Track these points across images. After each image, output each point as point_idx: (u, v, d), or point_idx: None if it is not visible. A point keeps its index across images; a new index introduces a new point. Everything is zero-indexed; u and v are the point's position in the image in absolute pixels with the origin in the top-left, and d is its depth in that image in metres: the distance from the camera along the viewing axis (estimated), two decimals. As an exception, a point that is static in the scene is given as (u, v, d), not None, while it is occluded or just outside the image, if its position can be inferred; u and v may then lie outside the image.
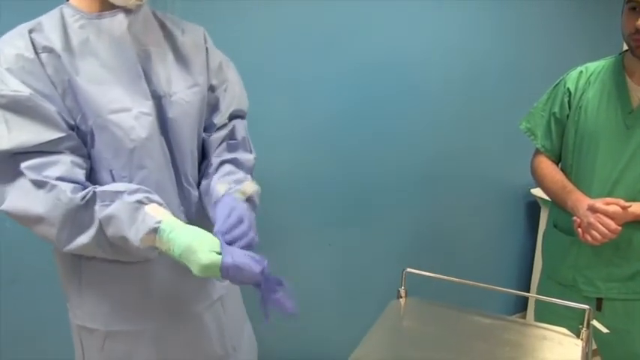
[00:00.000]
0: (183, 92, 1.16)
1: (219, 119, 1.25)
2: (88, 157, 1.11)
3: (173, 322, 1.22)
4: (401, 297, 1.40)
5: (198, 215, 1.23)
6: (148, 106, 1.10)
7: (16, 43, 1.03)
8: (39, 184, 1.00)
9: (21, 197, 1.01)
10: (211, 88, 1.25)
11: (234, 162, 1.25)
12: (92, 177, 1.13)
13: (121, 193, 1.02)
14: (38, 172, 1.01)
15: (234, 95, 1.28)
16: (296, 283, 2.17)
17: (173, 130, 1.16)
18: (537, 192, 2.50)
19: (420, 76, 2.20)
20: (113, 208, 1.01)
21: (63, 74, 1.04)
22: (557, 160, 1.67)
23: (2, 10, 1.43)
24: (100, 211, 1.01)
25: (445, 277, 1.37)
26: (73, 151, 1.06)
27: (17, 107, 1.00)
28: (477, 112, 2.39)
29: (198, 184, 1.26)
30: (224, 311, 1.31)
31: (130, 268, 1.15)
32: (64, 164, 1.03)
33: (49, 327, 1.74)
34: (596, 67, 1.56)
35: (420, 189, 2.34)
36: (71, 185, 1.01)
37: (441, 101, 2.28)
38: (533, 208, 2.69)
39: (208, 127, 1.26)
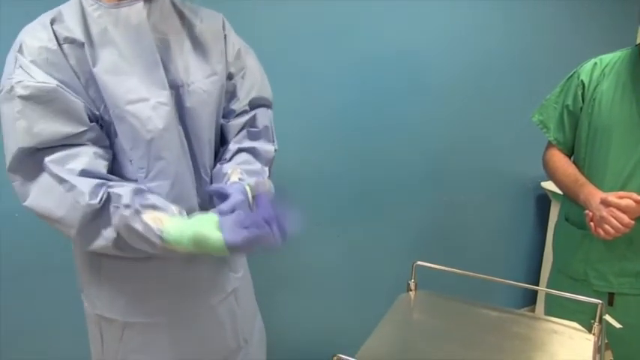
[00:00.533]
0: (201, 81, 1.15)
1: (237, 106, 1.24)
2: (110, 148, 1.11)
3: (188, 314, 1.22)
4: (411, 290, 1.40)
5: (213, 207, 1.23)
6: (165, 95, 1.09)
7: (38, 34, 1.03)
8: (60, 180, 1.00)
9: (43, 195, 1.01)
10: (229, 76, 1.24)
11: (252, 151, 1.23)
12: (115, 167, 1.13)
13: (121, 199, 1.01)
14: (61, 166, 1.00)
15: (253, 82, 1.27)
16: (306, 276, 2.19)
17: (191, 119, 1.15)
18: (548, 185, 2.49)
19: (429, 69, 2.19)
20: (118, 221, 1.01)
21: (85, 65, 1.04)
22: (570, 153, 1.65)
23: (2, 6, 1.44)
24: (113, 217, 1.01)
25: (455, 270, 1.37)
26: (95, 142, 1.06)
27: (41, 99, 1.00)
28: (486, 105, 2.37)
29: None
30: (237, 304, 1.31)
31: (148, 262, 1.15)
32: (87, 156, 1.03)
33: (53, 321, 1.76)
34: (611, 58, 1.53)
35: (430, 182, 2.33)
36: (91, 185, 1.00)
37: (451, 94, 2.27)
38: (543, 201, 2.68)
39: (227, 114, 1.25)
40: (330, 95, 2.00)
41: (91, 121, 1.06)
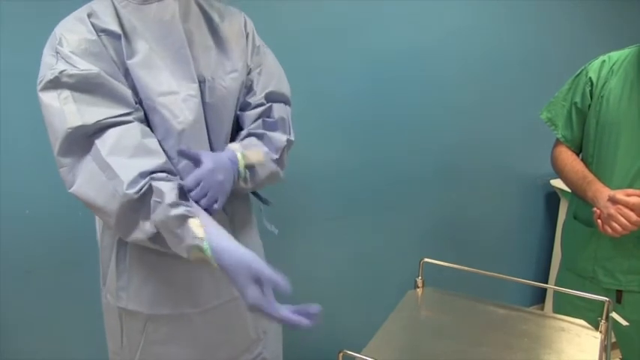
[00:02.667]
0: (221, 78, 1.17)
1: (254, 99, 1.25)
2: None
3: (213, 306, 1.23)
4: (418, 287, 1.40)
5: (230, 203, 1.23)
6: (194, 89, 1.12)
7: (76, 28, 1.05)
8: (104, 167, 0.99)
9: (86, 183, 1.01)
10: (247, 72, 1.25)
11: (262, 137, 1.23)
12: None
13: (164, 196, 0.98)
14: (109, 149, 0.99)
15: (270, 77, 1.28)
16: (313, 272, 2.19)
17: (210, 115, 1.17)
18: (557, 183, 2.48)
19: (439, 66, 2.18)
20: (158, 216, 0.98)
21: (121, 56, 1.06)
22: (578, 150, 1.65)
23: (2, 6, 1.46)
24: (154, 211, 0.99)
25: (462, 267, 1.37)
26: (142, 122, 1.08)
27: (87, 86, 1.01)
28: (496, 102, 2.37)
29: None
30: None
31: (176, 255, 1.15)
32: (136, 134, 1.03)
33: (64, 317, 1.78)
34: (620, 56, 1.53)
35: (438, 179, 2.33)
36: (133, 174, 0.98)
37: (460, 91, 2.26)
38: (552, 199, 2.67)
39: (243, 107, 1.26)
40: (340, 91, 2.01)
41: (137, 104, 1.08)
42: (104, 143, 1.00)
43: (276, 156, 1.23)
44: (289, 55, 1.39)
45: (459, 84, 2.25)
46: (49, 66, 1.02)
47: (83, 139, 1.01)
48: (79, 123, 0.99)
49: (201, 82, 1.15)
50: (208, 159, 1.08)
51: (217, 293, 1.23)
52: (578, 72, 1.60)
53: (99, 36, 1.05)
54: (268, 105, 1.26)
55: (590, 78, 1.54)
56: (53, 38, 1.05)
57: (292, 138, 1.30)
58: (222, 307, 1.25)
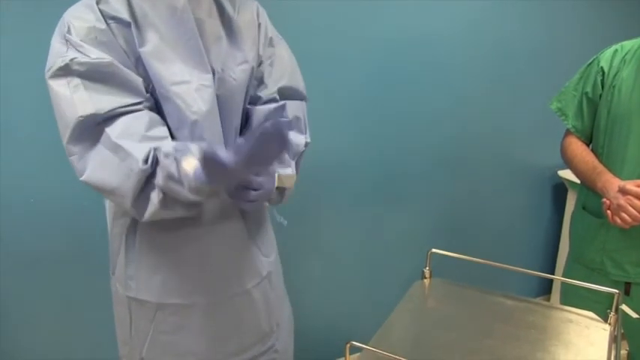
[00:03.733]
0: (231, 69, 1.15)
1: (265, 92, 1.23)
2: None
3: (223, 297, 1.23)
4: (425, 278, 1.39)
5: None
6: (208, 79, 1.10)
7: (85, 16, 1.03)
8: (115, 149, 0.99)
9: (98, 168, 1.01)
10: (258, 63, 1.23)
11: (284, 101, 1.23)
12: None
13: (161, 152, 0.99)
14: (120, 133, 1.00)
15: (283, 71, 1.26)
16: (321, 262, 2.19)
17: (220, 106, 1.15)
18: (564, 174, 2.46)
19: (448, 56, 2.17)
20: (160, 174, 0.99)
21: (132, 44, 1.05)
22: (588, 141, 1.63)
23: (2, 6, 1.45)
24: (158, 173, 0.99)
25: (470, 258, 1.36)
26: (152, 111, 1.07)
27: (98, 75, 1.01)
28: (504, 92, 2.35)
29: None
30: (271, 288, 1.33)
31: (186, 244, 1.16)
32: (146, 120, 1.03)
33: (67, 307, 1.78)
34: (632, 45, 1.50)
35: (446, 170, 2.32)
36: (145, 151, 0.98)
37: (468, 81, 2.25)
38: (560, 190, 2.65)
39: (254, 101, 1.25)
40: (346, 82, 2.00)
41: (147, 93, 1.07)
42: (114, 129, 1.00)
43: (294, 165, 1.23)
44: (298, 46, 1.38)
45: (467, 75, 2.24)
46: (59, 53, 1.01)
47: (94, 128, 1.01)
48: (91, 111, 0.99)
49: (212, 74, 1.13)
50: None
51: (228, 284, 1.23)
52: (589, 61, 1.59)
53: (108, 24, 1.03)
54: (282, 103, 1.24)
55: (601, 67, 1.52)
56: (62, 25, 1.04)
57: (309, 139, 1.29)
58: (233, 299, 1.24)
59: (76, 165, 1.02)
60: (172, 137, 1.09)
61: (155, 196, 1.01)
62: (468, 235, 2.46)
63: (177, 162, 0.96)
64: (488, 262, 1.35)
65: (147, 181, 1.01)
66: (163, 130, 1.06)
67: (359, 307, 2.29)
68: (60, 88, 1.00)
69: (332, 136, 2.02)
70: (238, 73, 1.16)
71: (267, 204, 1.30)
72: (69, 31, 1.02)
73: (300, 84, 1.31)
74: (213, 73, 1.13)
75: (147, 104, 1.06)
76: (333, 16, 1.90)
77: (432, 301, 1.34)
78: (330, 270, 2.21)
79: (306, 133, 1.30)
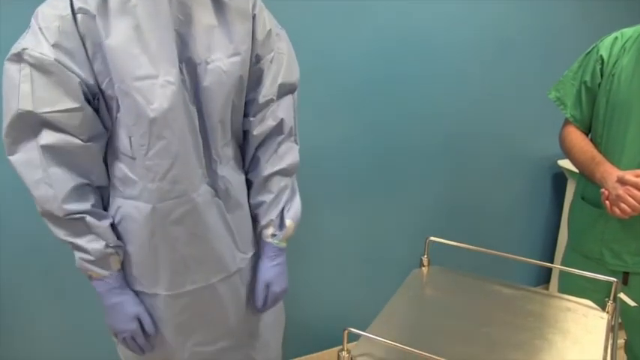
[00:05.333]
0: (221, 60, 1.14)
1: (262, 94, 1.23)
2: (111, 122, 1.13)
3: (185, 291, 1.25)
4: (424, 265, 1.40)
5: (225, 189, 1.24)
6: (173, 74, 1.08)
7: (55, 3, 1.04)
8: (44, 169, 1.06)
9: (24, 163, 1.06)
10: (257, 58, 1.22)
11: (281, 173, 1.29)
12: (112, 140, 1.14)
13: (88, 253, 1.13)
14: (51, 161, 1.07)
15: (279, 67, 1.25)
16: (319, 250, 2.19)
17: (206, 99, 1.14)
18: (564, 163, 2.46)
19: (446, 44, 2.16)
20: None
21: (95, 36, 1.04)
22: (587, 130, 1.63)
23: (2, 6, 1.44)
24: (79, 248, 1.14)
25: (468, 246, 1.36)
26: (86, 126, 1.09)
27: (43, 69, 1.03)
28: (503, 81, 2.34)
29: (246, 173, 1.32)
30: (242, 284, 1.34)
31: (154, 235, 1.18)
32: (76, 181, 1.11)
33: (72, 292, 1.79)
34: (633, 32, 1.49)
35: (445, 158, 2.32)
36: (67, 189, 1.08)
37: (467, 70, 2.24)
38: (559, 179, 2.65)
39: (250, 103, 1.25)
40: (348, 68, 1.99)
41: (87, 99, 1.08)
42: (47, 149, 1.06)
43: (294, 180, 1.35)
44: (297, 33, 1.37)
45: (466, 64, 2.23)
46: (21, 38, 1.05)
47: (31, 123, 1.05)
48: (29, 108, 1.03)
49: (198, 65, 1.12)
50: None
51: (192, 279, 1.24)
52: (588, 50, 1.57)
53: (74, 14, 1.03)
54: (279, 120, 1.26)
55: (601, 55, 1.51)
56: (35, 12, 1.06)
57: (297, 144, 1.33)
58: (196, 292, 1.26)
59: (7, 145, 1.07)
60: (130, 134, 1.11)
61: (61, 237, 1.13)
62: (467, 224, 2.47)
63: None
64: (486, 250, 1.35)
65: (58, 219, 1.10)
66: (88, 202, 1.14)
67: (357, 295, 2.30)
68: (12, 72, 1.04)
69: (331, 125, 2.02)
70: (228, 65, 1.15)
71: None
72: (36, 16, 1.05)
73: (294, 76, 1.30)
74: (199, 65, 1.12)
75: (84, 112, 1.08)
76: (338, 5, 1.89)
77: (430, 289, 1.34)
78: (329, 258, 2.21)
79: (297, 141, 1.33)
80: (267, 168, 1.28)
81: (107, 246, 1.14)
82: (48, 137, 1.05)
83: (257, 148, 1.29)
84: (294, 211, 1.33)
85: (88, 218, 1.11)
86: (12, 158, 1.07)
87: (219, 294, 1.28)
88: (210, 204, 1.21)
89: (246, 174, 1.33)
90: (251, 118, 1.25)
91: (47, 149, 1.06)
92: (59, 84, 1.04)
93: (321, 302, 2.26)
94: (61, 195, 1.07)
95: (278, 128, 1.27)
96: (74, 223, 1.11)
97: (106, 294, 1.18)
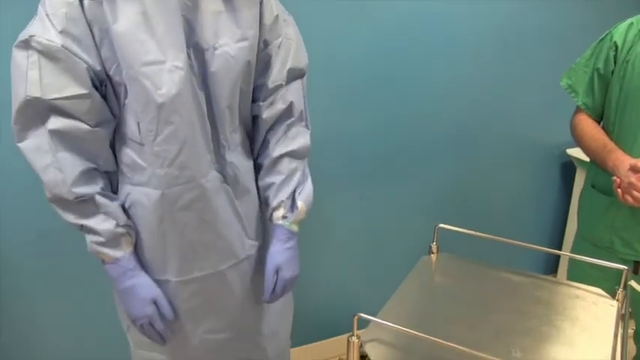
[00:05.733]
0: (229, 46, 1.13)
1: (271, 80, 1.23)
2: (119, 108, 1.13)
3: (194, 277, 1.25)
4: (432, 252, 1.40)
5: (234, 175, 1.24)
6: (182, 59, 1.07)
7: None
8: (53, 153, 1.06)
9: (34, 149, 1.07)
10: (265, 43, 1.21)
11: (291, 154, 1.28)
12: (120, 127, 1.14)
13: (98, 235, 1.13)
14: (59, 145, 1.07)
15: (288, 52, 1.25)
16: (327, 238, 2.19)
17: (213, 84, 1.14)
18: (573, 152, 2.44)
19: (456, 31, 2.13)
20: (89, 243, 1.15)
21: (102, 22, 1.04)
22: (599, 118, 1.61)
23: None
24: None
25: (477, 234, 1.36)
26: (94, 112, 1.09)
27: (50, 56, 1.03)
28: (513, 68, 2.32)
29: (256, 158, 1.31)
30: (251, 270, 1.34)
31: (163, 222, 1.18)
32: (85, 165, 1.11)
33: (77, 279, 1.80)
34: (648, 18, 1.47)
35: (454, 146, 2.30)
36: (76, 172, 1.08)
37: (476, 57, 2.22)
38: (568, 168, 2.63)
39: (259, 88, 1.25)
40: (353, 57, 1.97)
41: (95, 85, 1.08)
42: (55, 133, 1.06)
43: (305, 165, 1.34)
44: (302, 19, 1.36)
45: (475, 51, 2.20)
46: (29, 25, 1.05)
47: (39, 110, 1.05)
48: (37, 95, 1.03)
49: (205, 50, 1.11)
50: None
51: (200, 265, 1.24)
52: (602, 36, 1.55)
53: (81, 0, 1.03)
54: (288, 103, 1.26)
55: (614, 42, 1.49)
56: None
57: (309, 129, 1.32)
58: (205, 279, 1.26)
59: (17, 131, 1.07)
60: (138, 119, 1.11)
61: (71, 221, 1.13)
62: (476, 212, 2.46)
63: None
64: (494, 237, 1.35)
65: (67, 202, 1.10)
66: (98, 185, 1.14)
67: (366, 281, 2.30)
68: (20, 59, 1.04)
69: (336, 108, 2.01)
70: (236, 50, 1.14)
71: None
72: (43, 2, 1.04)
73: (302, 61, 1.30)
74: (206, 50, 1.11)
75: (90, 101, 1.07)
76: (334, 1, 1.88)
77: (439, 276, 1.34)
78: (336, 244, 2.21)
79: (308, 126, 1.32)
80: (277, 149, 1.27)
81: (117, 225, 1.14)
82: (56, 122, 1.05)
83: (267, 132, 1.28)
84: (305, 194, 1.31)
85: (98, 197, 1.11)
86: (21, 145, 1.06)
87: (228, 281, 1.28)
88: (219, 190, 1.21)
89: (256, 159, 1.32)
90: (260, 103, 1.25)
91: (55, 134, 1.06)
92: (67, 70, 1.03)
93: (330, 290, 2.27)
94: (70, 179, 1.07)
95: (288, 111, 1.27)
96: (84, 205, 1.11)
97: (120, 277, 1.17)
